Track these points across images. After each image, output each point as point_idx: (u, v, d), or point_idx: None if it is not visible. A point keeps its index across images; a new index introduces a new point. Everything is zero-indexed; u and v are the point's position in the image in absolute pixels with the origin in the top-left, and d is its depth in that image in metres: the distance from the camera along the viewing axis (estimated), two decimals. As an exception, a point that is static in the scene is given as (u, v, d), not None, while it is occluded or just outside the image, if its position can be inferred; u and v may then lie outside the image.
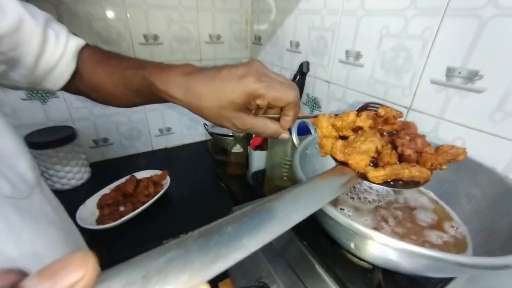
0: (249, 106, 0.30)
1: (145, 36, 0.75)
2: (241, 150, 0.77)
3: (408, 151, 0.27)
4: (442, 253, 0.21)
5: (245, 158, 0.78)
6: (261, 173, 0.75)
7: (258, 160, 0.75)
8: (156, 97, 0.31)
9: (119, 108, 0.55)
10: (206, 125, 0.91)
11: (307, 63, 0.63)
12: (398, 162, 0.28)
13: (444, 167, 0.27)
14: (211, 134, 0.88)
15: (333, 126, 0.30)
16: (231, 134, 0.81)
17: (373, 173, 0.25)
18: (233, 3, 0.83)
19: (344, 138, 0.30)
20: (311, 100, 0.73)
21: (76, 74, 0.37)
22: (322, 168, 0.37)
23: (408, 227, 0.35)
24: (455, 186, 0.39)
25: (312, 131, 0.59)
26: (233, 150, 0.77)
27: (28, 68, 0.34)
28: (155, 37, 0.76)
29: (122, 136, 0.85)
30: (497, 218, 0.32)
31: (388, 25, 0.50)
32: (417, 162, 0.28)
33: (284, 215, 0.19)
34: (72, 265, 0.10)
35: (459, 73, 0.41)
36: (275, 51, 0.82)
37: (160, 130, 0.91)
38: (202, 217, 0.59)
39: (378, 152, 0.28)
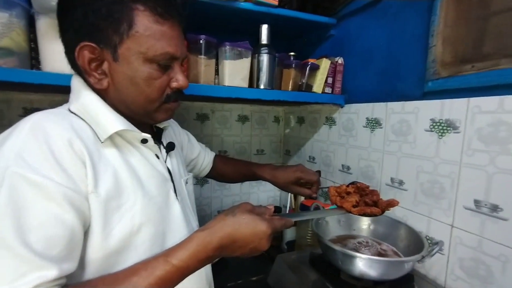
0: (298, 182, 0.68)
1: (220, 151, 1.24)
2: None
3: (368, 201, 0.61)
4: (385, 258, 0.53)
5: (280, 232, 1.07)
6: (292, 242, 1.04)
7: (290, 233, 1.05)
8: (255, 178, 0.73)
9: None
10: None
11: (320, 171, 1.04)
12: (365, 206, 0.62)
13: (389, 208, 0.60)
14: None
15: (336, 191, 0.66)
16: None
17: (353, 209, 0.59)
18: (272, 131, 1.35)
19: (342, 196, 0.65)
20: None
21: (211, 168, 0.80)
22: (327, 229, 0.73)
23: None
24: (393, 236, 0.71)
25: (321, 209, 0.92)
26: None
27: (197, 171, 0.78)
28: (225, 152, 1.25)
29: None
30: (408, 244, 0.65)
31: (422, 165, 0.69)
32: (376, 206, 0.61)
33: (317, 214, 0.54)
34: (271, 207, 0.47)
35: (485, 205, 0.56)
36: (299, 160, 1.26)
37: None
38: (249, 263, 0.88)
39: (357, 202, 0.62)
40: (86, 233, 0.39)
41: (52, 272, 0.33)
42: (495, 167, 0.55)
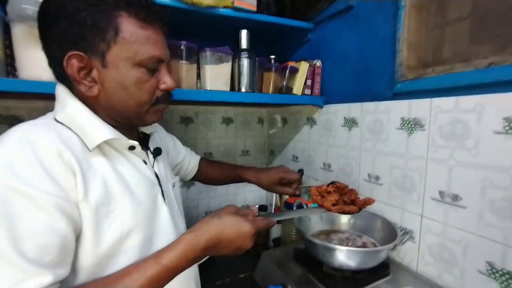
0: (281, 182, 0.72)
1: (206, 154, 1.25)
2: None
3: (347, 199, 0.65)
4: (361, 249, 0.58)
5: (266, 230, 1.11)
6: (278, 239, 1.07)
7: (275, 230, 1.08)
8: (241, 180, 0.76)
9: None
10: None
11: (302, 170, 1.09)
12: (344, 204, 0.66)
13: (366, 207, 0.65)
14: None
15: (317, 190, 0.69)
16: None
17: (332, 208, 0.62)
18: (256, 132, 1.38)
19: (323, 196, 0.69)
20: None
21: (197, 171, 0.82)
22: (309, 224, 0.77)
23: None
24: (371, 228, 0.76)
25: (304, 207, 0.96)
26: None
27: (182, 174, 0.79)
28: (210, 154, 1.27)
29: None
30: (384, 235, 0.69)
31: (394, 161, 0.74)
32: (354, 204, 0.66)
33: (298, 213, 0.57)
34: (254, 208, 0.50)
35: (448, 195, 0.62)
36: (283, 159, 1.30)
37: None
38: (236, 261, 0.90)
39: (336, 201, 0.66)
40: (77, 239, 0.40)
41: (47, 278, 0.34)
42: (454, 161, 0.61)
